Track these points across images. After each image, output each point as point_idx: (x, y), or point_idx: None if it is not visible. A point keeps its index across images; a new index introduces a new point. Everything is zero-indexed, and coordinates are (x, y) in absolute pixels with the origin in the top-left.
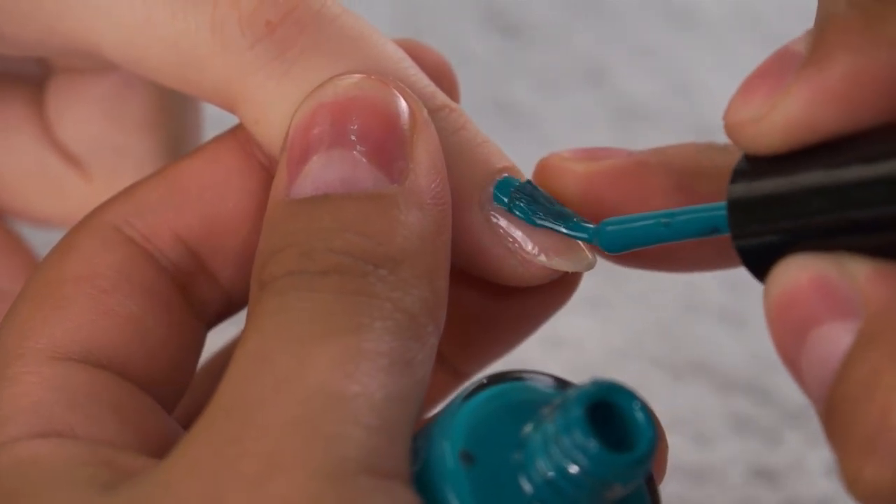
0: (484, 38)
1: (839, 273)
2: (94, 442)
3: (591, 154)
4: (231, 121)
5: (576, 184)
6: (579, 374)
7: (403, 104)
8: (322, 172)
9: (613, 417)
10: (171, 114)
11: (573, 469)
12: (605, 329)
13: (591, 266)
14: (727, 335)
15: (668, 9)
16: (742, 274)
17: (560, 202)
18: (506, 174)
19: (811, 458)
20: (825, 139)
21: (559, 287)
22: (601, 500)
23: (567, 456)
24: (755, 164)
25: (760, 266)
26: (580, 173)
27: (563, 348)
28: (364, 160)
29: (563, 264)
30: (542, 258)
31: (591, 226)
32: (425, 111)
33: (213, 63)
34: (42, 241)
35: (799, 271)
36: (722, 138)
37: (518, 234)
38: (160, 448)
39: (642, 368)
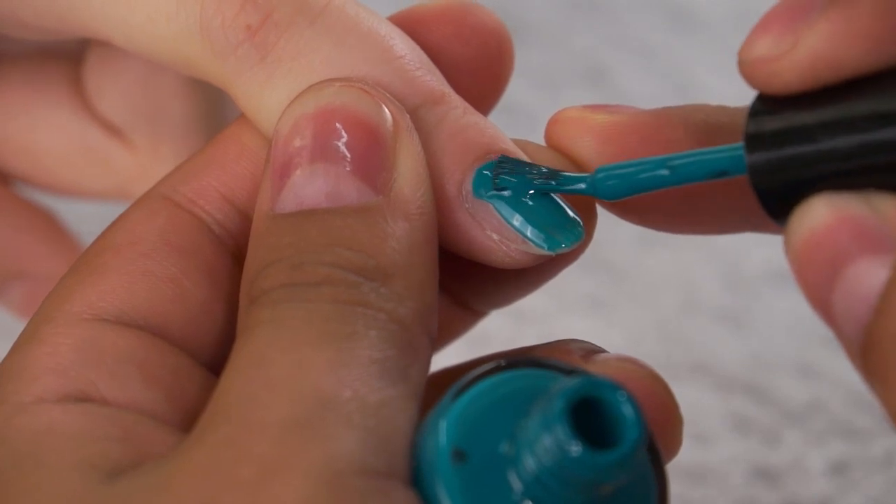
0: None
1: (868, 209)
2: (118, 406)
3: (607, 108)
4: None
5: (594, 135)
6: None
7: (386, 113)
8: (305, 187)
9: (603, 412)
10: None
11: (557, 468)
12: (604, 329)
13: (579, 238)
14: (727, 335)
15: (668, 9)
16: (742, 274)
17: (546, 165)
18: (490, 159)
19: (811, 458)
20: (847, 78)
21: None
22: (595, 493)
23: (550, 455)
24: (772, 103)
25: (778, 207)
26: (600, 123)
27: None
28: (347, 173)
29: (545, 249)
30: (528, 246)
31: (585, 175)
32: (408, 118)
33: (207, 64)
34: (91, 215)
35: (825, 210)
36: None
37: (501, 223)
38: (194, 410)
39: None
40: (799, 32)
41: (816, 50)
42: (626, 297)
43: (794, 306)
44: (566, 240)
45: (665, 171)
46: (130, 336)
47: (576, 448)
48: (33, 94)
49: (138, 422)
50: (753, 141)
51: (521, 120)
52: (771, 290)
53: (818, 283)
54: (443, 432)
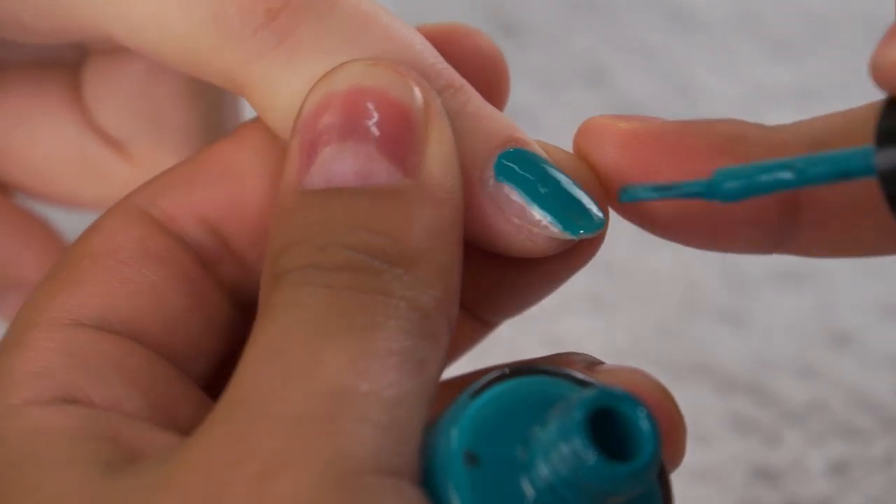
0: None
1: None
2: (104, 409)
3: (634, 117)
4: None
5: (617, 140)
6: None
7: (418, 94)
8: (335, 165)
9: (618, 424)
10: (206, 91)
11: (572, 477)
12: (605, 329)
13: (600, 226)
14: (727, 335)
15: (668, 9)
16: (742, 274)
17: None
18: (510, 147)
19: (811, 458)
20: None
21: (584, 243)
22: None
23: (566, 463)
24: None
25: None
26: (623, 130)
27: (563, 348)
28: (378, 153)
29: (568, 233)
30: (551, 230)
31: (702, 179)
32: (439, 101)
33: (219, 53)
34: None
35: None
36: None
37: (523, 207)
38: (176, 416)
39: (642, 368)
40: None
41: None
42: (626, 296)
43: (795, 306)
44: (587, 226)
45: (788, 174)
46: (112, 341)
47: (593, 459)
48: (31, 103)
49: (126, 423)
50: (886, 141)
51: (521, 120)
52: (771, 290)
53: None
54: (457, 434)
